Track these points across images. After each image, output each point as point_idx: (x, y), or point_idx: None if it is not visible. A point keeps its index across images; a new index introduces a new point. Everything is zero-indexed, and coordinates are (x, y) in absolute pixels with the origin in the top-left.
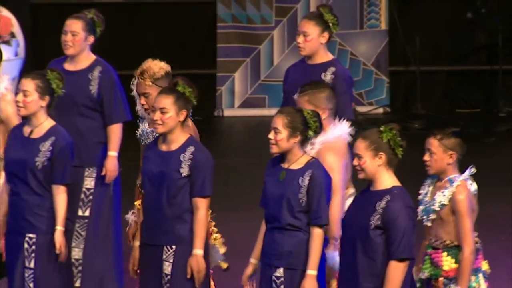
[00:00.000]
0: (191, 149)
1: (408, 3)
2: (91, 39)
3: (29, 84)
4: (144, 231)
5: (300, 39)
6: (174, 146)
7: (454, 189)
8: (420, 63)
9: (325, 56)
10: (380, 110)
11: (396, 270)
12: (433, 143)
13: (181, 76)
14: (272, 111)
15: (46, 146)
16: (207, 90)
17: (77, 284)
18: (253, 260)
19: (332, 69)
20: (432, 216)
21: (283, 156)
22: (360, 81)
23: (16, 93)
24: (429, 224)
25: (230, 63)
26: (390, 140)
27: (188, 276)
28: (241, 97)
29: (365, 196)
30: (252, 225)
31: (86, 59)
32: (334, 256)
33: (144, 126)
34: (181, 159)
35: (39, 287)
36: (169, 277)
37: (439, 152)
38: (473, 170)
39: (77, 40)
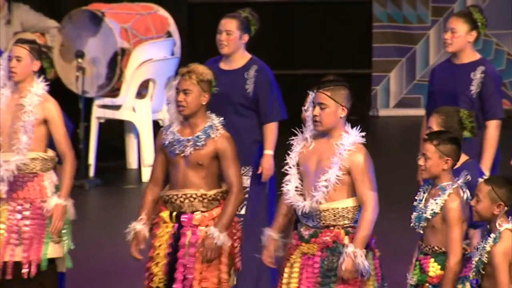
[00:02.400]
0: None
1: None
2: (246, 38)
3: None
4: None
5: (447, 35)
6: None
7: (446, 197)
8: None
9: (472, 56)
10: None
11: None
12: (429, 148)
13: (332, 74)
14: None
15: None
16: (362, 90)
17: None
18: None
19: (482, 68)
20: (424, 224)
21: None
22: None
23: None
24: (420, 231)
25: (385, 63)
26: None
27: None
28: (396, 97)
29: None
30: (404, 225)
31: (242, 58)
32: None
33: (174, 135)
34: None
35: None
36: None
37: (434, 158)
38: (468, 177)
39: (232, 39)
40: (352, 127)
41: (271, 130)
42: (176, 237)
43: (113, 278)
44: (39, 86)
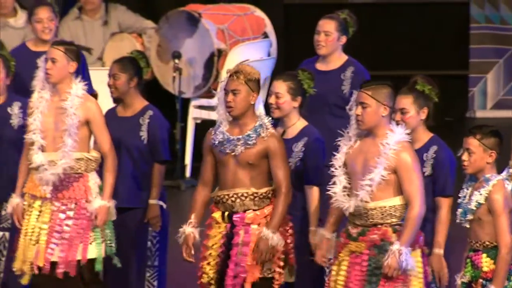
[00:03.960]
0: (434, 148)
1: None
2: (344, 39)
3: (281, 86)
4: None
5: None
6: (418, 145)
7: (490, 188)
8: None
9: None
10: None
11: None
12: (472, 143)
13: (421, 75)
14: None
15: (299, 147)
16: (459, 91)
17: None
18: None
19: None
20: (470, 217)
21: None
22: None
23: (269, 95)
24: (467, 225)
25: (482, 64)
26: None
27: None
28: (494, 98)
29: None
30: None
31: (338, 59)
32: None
33: (224, 134)
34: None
35: None
36: None
37: (479, 152)
38: (511, 170)
39: (330, 40)
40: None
41: None
42: (229, 236)
43: None
44: (78, 87)
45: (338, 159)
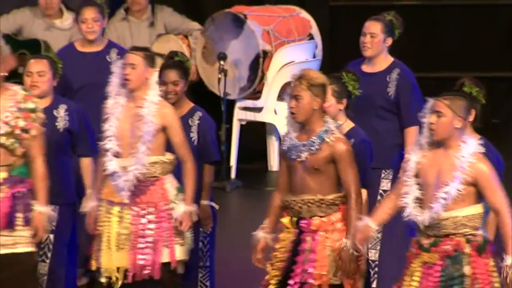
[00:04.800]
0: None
1: None
2: (389, 41)
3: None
4: None
5: None
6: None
7: None
8: None
9: None
10: None
11: None
12: None
13: (468, 77)
14: None
15: None
16: (507, 93)
17: (374, 285)
18: None
19: None
20: None
21: None
22: None
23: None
24: None
25: None
26: None
27: None
28: None
29: None
30: None
31: (384, 61)
32: None
33: (292, 140)
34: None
35: None
36: None
37: None
38: None
39: (376, 42)
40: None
41: (412, 134)
42: (296, 242)
43: (254, 280)
44: (154, 93)
45: (410, 169)
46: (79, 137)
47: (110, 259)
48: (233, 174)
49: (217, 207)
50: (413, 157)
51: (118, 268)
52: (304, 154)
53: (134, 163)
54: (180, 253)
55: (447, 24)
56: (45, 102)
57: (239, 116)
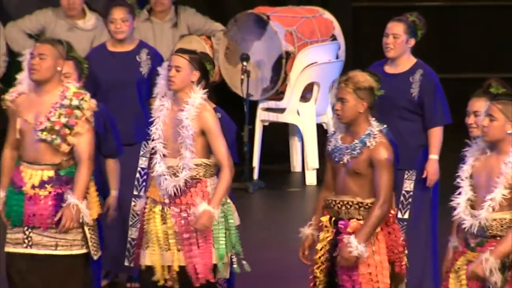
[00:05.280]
0: None
1: None
2: (412, 42)
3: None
4: None
5: None
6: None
7: None
8: None
9: None
10: None
11: None
12: None
13: (495, 77)
14: None
15: None
16: None
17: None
18: None
19: None
20: None
21: None
22: None
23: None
24: None
25: None
26: None
27: None
28: None
29: None
30: None
31: (407, 62)
32: None
33: (337, 141)
34: None
35: None
36: None
37: None
38: None
39: (399, 43)
40: None
41: (435, 135)
42: (334, 243)
43: (278, 282)
44: (197, 96)
45: (465, 171)
46: (104, 138)
47: (159, 257)
48: (255, 175)
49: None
50: (468, 158)
51: (164, 267)
52: (346, 157)
53: (183, 168)
54: (217, 255)
55: (470, 24)
56: None
57: (262, 117)
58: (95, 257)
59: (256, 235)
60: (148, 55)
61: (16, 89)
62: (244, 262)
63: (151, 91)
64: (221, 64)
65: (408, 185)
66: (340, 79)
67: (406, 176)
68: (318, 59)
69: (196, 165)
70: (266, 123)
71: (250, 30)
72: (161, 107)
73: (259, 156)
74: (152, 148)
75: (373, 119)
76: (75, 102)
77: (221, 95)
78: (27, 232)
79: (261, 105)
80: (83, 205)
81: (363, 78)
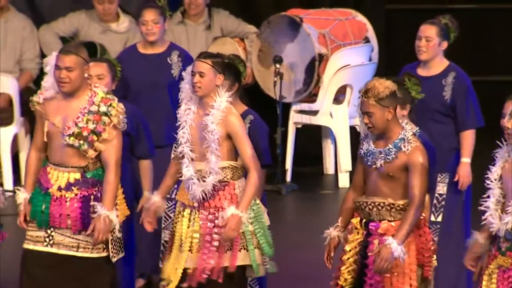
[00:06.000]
0: None
1: None
2: (445, 44)
3: None
4: None
5: None
6: None
7: None
8: None
9: None
10: None
11: None
12: None
13: None
14: None
15: None
16: None
17: None
18: None
19: None
20: None
21: None
22: None
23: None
24: None
25: None
26: None
27: None
28: None
29: None
30: None
31: (440, 64)
32: None
33: (369, 145)
34: None
35: None
36: None
37: None
38: None
39: (431, 45)
40: None
41: (468, 138)
42: (364, 244)
43: (310, 283)
44: (222, 100)
45: (493, 173)
46: (137, 140)
47: (174, 260)
48: (288, 177)
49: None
50: (498, 160)
51: (177, 270)
52: (379, 162)
53: (209, 173)
54: (246, 257)
55: (503, 27)
56: None
57: (295, 119)
58: (114, 259)
59: (288, 237)
60: (179, 57)
61: (43, 92)
62: (272, 262)
63: None
64: (254, 66)
65: (441, 188)
66: (360, 92)
67: (439, 179)
68: (351, 62)
69: (223, 168)
70: (299, 125)
71: (283, 32)
72: (187, 111)
73: (292, 158)
74: (180, 152)
75: (406, 121)
76: (103, 108)
77: (254, 97)
78: (49, 231)
79: (294, 107)
80: (113, 215)
81: (381, 87)
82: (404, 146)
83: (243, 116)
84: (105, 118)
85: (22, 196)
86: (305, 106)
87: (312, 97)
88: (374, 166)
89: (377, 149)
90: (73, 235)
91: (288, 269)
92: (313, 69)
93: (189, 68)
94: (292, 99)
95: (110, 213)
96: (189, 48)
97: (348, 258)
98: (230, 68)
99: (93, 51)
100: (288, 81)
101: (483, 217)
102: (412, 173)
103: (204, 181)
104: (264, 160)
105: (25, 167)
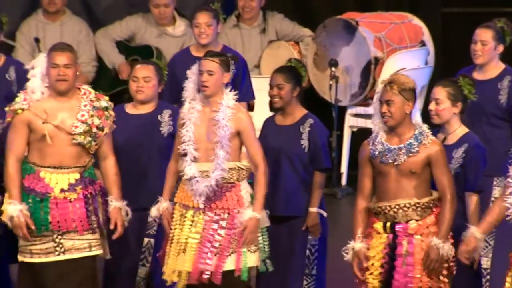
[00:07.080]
0: None
1: None
2: (501, 48)
3: (441, 92)
4: None
5: None
6: None
7: None
8: None
9: None
10: None
11: None
12: None
13: None
14: None
15: (459, 153)
16: None
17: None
18: None
19: None
20: None
21: None
22: None
23: (429, 102)
24: None
25: None
26: None
27: None
28: None
29: None
30: None
31: (495, 68)
32: None
33: (384, 144)
34: None
35: None
36: None
37: None
38: None
39: (487, 49)
40: None
41: None
42: (392, 247)
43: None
44: (229, 97)
45: None
46: None
47: (174, 262)
48: (343, 181)
49: (325, 214)
50: None
51: (179, 272)
52: (402, 157)
53: (215, 168)
54: (248, 260)
55: None
56: (150, 107)
57: (350, 122)
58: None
59: (344, 241)
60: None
61: (30, 96)
62: (268, 261)
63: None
64: (309, 70)
65: (498, 191)
66: (383, 82)
67: (495, 182)
68: (407, 65)
69: (230, 169)
70: (355, 129)
71: (339, 35)
72: (191, 110)
73: (347, 162)
74: (183, 150)
75: (418, 120)
76: (104, 103)
77: (309, 100)
78: (57, 240)
79: (349, 111)
80: (124, 205)
81: (406, 79)
82: (424, 139)
83: (303, 119)
84: (106, 113)
85: (16, 208)
86: (360, 110)
87: (367, 101)
88: (395, 163)
89: (396, 146)
90: (81, 236)
91: (346, 272)
92: (369, 73)
93: (194, 67)
94: (347, 103)
95: (122, 204)
96: (244, 52)
97: (373, 264)
98: (291, 72)
99: (149, 54)
100: (344, 85)
101: (507, 213)
102: (436, 167)
103: (207, 176)
104: (324, 164)
105: (6, 178)
